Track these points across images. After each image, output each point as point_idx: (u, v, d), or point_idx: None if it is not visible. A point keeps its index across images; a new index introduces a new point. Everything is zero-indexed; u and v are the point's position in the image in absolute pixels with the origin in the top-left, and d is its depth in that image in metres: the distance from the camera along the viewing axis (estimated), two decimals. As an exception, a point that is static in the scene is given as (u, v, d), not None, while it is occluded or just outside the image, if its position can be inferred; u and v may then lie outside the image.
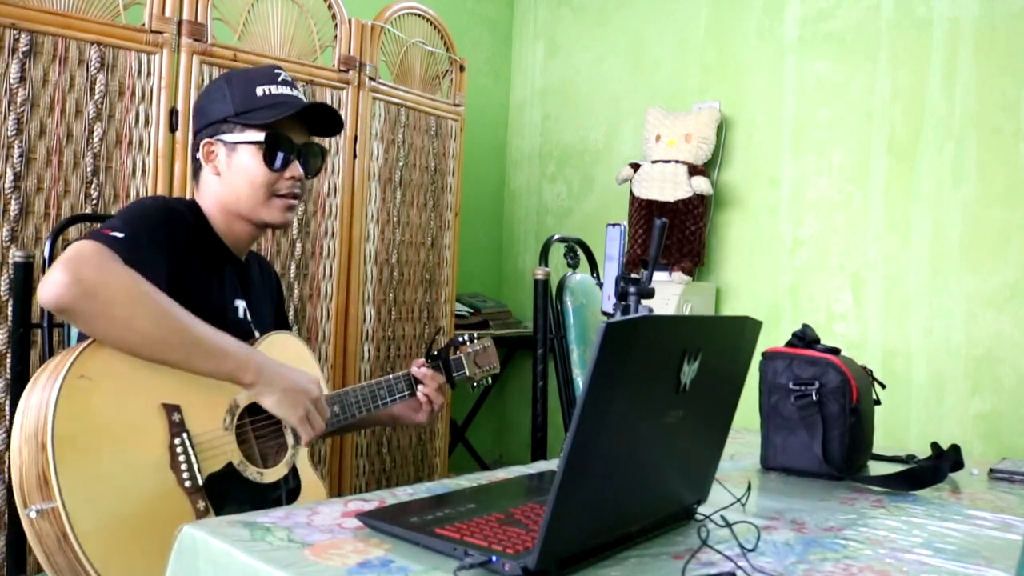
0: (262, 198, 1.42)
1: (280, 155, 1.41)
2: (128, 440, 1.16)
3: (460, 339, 1.72)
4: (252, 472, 1.29)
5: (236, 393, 1.28)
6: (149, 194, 1.99)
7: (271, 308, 1.59)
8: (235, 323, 1.42)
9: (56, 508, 1.06)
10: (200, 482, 1.20)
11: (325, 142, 2.33)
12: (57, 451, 1.07)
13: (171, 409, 1.20)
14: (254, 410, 1.32)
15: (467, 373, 1.71)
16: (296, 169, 1.43)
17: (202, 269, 1.36)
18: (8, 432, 1.73)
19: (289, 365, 1.33)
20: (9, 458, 1.14)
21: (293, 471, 1.38)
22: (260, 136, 1.39)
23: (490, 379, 1.80)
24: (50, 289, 1.12)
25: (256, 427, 1.34)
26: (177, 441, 1.19)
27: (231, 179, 1.41)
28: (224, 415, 1.27)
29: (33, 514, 1.09)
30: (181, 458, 1.19)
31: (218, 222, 1.43)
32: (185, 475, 1.19)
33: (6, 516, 1.73)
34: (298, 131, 1.45)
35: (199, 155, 1.43)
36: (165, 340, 1.17)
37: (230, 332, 1.36)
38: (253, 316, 1.47)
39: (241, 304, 1.45)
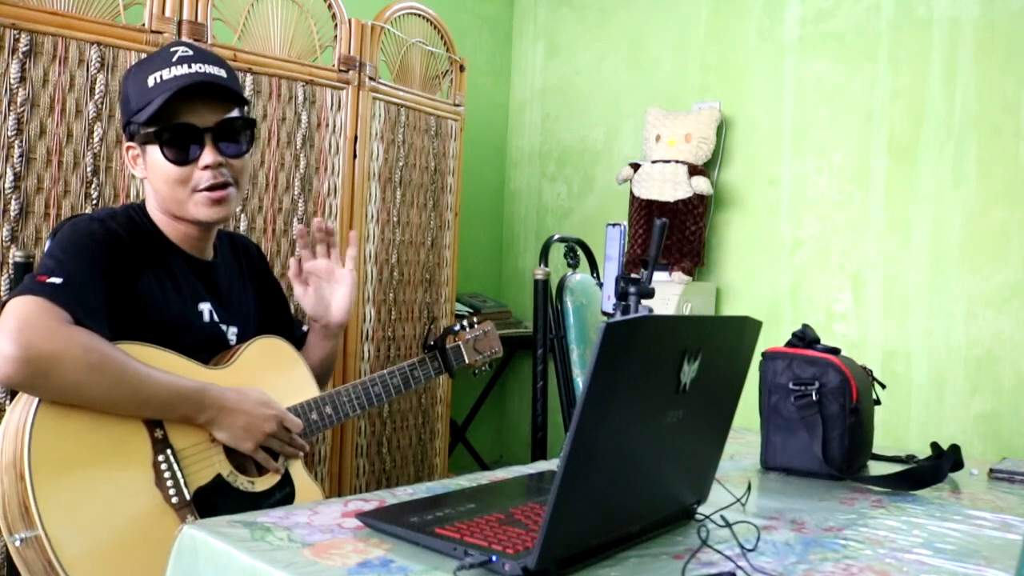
0: (183, 196, 1.31)
1: (183, 147, 1.29)
2: (110, 461, 1.15)
3: (457, 328, 1.68)
4: (243, 482, 1.28)
5: None
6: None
7: (254, 297, 1.52)
8: (202, 328, 1.36)
9: (39, 536, 1.05)
10: (188, 497, 1.19)
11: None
12: (35, 479, 1.06)
13: (153, 426, 1.19)
14: None
15: (466, 360, 1.66)
16: (208, 157, 1.30)
17: (155, 281, 1.30)
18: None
19: (254, 392, 1.29)
20: None
21: (286, 476, 1.36)
22: (153, 131, 1.29)
23: (491, 364, 1.76)
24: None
25: None
26: (161, 458, 1.18)
27: (153, 181, 1.33)
28: None
29: (18, 543, 1.08)
30: (166, 475, 1.18)
31: (163, 224, 1.36)
32: (171, 491, 1.18)
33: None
34: (207, 110, 1.30)
35: (127, 160, 1.37)
36: (118, 402, 1.15)
37: (198, 338, 1.34)
38: (224, 315, 1.41)
39: (206, 307, 1.38)
